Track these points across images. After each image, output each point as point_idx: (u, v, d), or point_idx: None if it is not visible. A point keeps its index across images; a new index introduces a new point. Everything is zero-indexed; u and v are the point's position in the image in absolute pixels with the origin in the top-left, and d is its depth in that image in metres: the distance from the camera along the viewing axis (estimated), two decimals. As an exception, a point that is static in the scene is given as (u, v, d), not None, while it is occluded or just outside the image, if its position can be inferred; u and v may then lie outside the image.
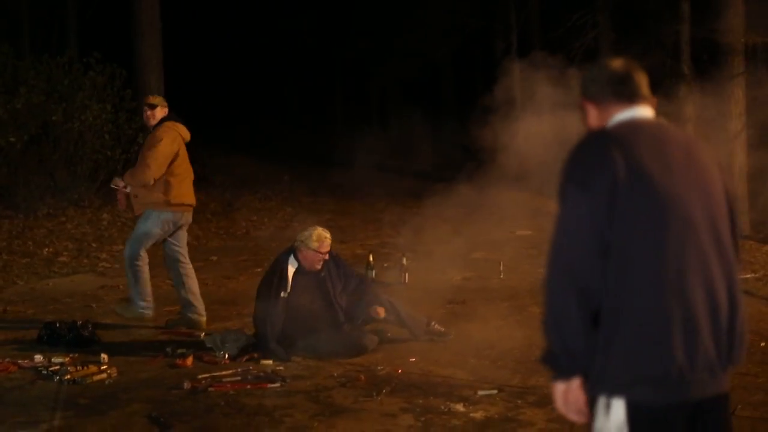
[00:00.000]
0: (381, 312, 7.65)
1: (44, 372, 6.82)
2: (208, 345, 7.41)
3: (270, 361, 7.09)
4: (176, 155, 8.29)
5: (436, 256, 10.35)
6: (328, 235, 7.62)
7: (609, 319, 2.93)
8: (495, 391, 6.35)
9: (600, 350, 2.94)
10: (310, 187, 20.14)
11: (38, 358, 7.13)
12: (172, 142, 8.27)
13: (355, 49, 29.80)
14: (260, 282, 7.72)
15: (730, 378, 3.11)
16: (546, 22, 21.86)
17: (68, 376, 6.65)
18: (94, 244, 12.87)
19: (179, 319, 8.41)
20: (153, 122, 8.42)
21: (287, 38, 31.93)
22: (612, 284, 2.92)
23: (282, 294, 7.44)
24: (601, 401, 2.98)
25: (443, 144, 22.43)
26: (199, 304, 8.42)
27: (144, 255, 8.35)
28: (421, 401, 6.20)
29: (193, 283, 8.46)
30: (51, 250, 12.39)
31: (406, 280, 10.08)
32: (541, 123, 8.40)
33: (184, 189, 8.38)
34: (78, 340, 7.61)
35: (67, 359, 7.11)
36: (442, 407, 6.08)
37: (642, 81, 3.17)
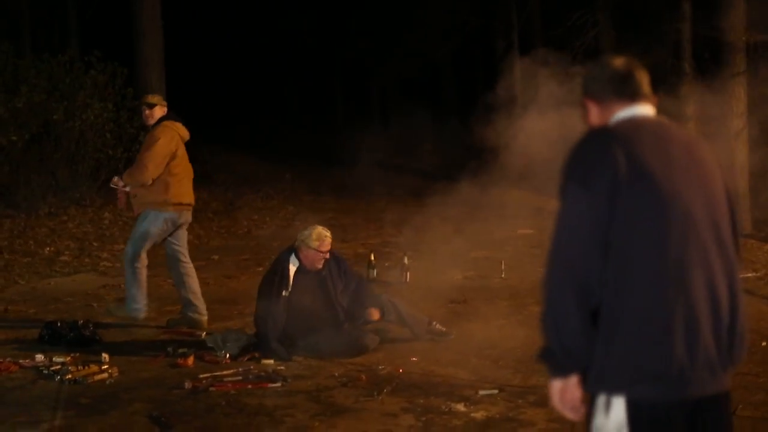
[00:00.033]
0: (375, 315, 7.64)
1: (45, 371, 6.83)
2: (209, 344, 7.41)
3: (271, 361, 7.09)
4: (174, 155, 8.27)
5: (437, 255, 10.35)
6: (328, 234, 7.62)
7: (609, 317, 2.93)
8: (496, 391, 6.35)
9: (599, 348, 2.94)
10: (311, 185, 20.14)
11: (39, 357, 7.13)
12: (170, 141, 8.25)
13: (355, 48, 29.79)
14: (261, 281, 7.72)
15: (731, 377, 3.10)
16: (547, 21, 21.86)
17: (69, 376, 6.65)
18: (95, 244, 12.87)
19: (180, 319, 8.40)
20: (151, 121, 8.41)
21: (288, 38, 31.92)
22: (613, 282, 2.92)
23: (283, 293, 7.44)
24: (601, 399, 2.97)
25: (444, 143, 22.43)
26: (200, 304, 8.41)
27: (144, 257, 8.34)
28: (422, 401, 6.20)
29: (194, 282, 8.45)
30: (52, 249, 12.39)
31: (408, 280, 10.08)
32: (542, 121, 8.39)
33: (183, 188, 8.37)
34: (79, 339, 7.61)
35: (68, 359, 7.11)
36: (443, 407, 6.08)
37: (643, 79, 3.17)
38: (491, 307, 8.93)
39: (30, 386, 6.58)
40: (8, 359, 7.11)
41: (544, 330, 2.99)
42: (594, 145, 3.01)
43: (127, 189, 8.34)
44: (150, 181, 8.18)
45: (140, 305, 8.37)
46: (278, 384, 6.56)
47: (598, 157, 2.95)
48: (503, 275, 10.47)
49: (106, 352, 7.21)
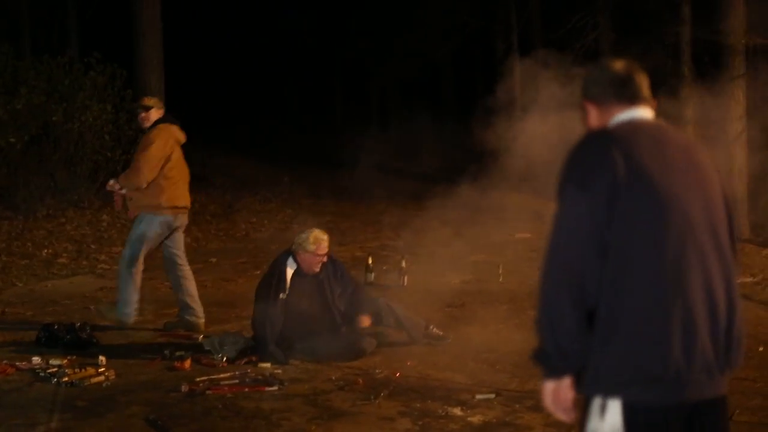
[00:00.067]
0: (365, 321, 7.63)
1: (42, 374, 6.81)
2: (207, 348, 7.41)
3: (268, 364, 7.09)
4: (169, 158, 8.25)
5: (435, 258, 10.35)
6: (325, 237, 7.61)
7: (606, 319, 2.93)
8: (493, 395, 6.35)
9: (596, 350, 2.94)
10: (310, 188, 20.13)
11: (36, 360, 7.12)
12: (165, 144, 8.24)
13: (355, 49, 29.82)
14: (258, 284, 7.72)
15: (728, 382, 3.10)
16: (547, 23, 21.86)
17: (66, 379, 6.65)
18: (93, 246, 12.86)
19: (177, 322, 8.39)
20: (147, 124, 8.39)
21: (287, 38, 31.94)
22: (610, 284, 2.92)
23: (281, 296, 7.43)
24: (596, 402, 2.97)
25: (443, 145, 22.42)
26: (198, 307, 8.40)
27: (141, 262, 8.32)
28: (418, 405, 6.20)
29: (191, 285, 8.44)
30: (50, 251, 12.38)
31: (405, 283, 10.08)
32: (541, 124, 8.39)
33: (178, 191, 8.34)
34: (76, 342, 7.61)
35: (65, 361, 7.10)
36: (440, 411, 6.08)
37: (643, 83, 3.18)
38: (489, 311, 8.92)
39: (27, 389, 6.57)
40: (5, 361, 7.10)
41: (539, 331, 2.99)
42: (593, 148, 3.02)
43: (124, 192, 8.33)
44: (145, 184, 8.17)
45: (131, 310, 8.32)
46: (275, 387, 6.56)
47: (596, 159, 2.96)
48: (501, 279, 10.46)
49: (103, 355, 7.20)
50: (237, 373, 6.87)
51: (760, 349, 7.51)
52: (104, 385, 6.65)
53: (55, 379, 6.66)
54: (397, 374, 6.90)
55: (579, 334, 2.93)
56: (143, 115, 8.42)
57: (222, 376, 6.79)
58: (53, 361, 7.07)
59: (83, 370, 6.87)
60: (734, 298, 3.05)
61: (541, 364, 3.01)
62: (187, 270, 8.49)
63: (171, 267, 8.49)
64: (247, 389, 6.51)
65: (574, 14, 16.98)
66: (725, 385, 3.07)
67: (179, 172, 8.39)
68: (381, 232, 14.29)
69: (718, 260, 3.02)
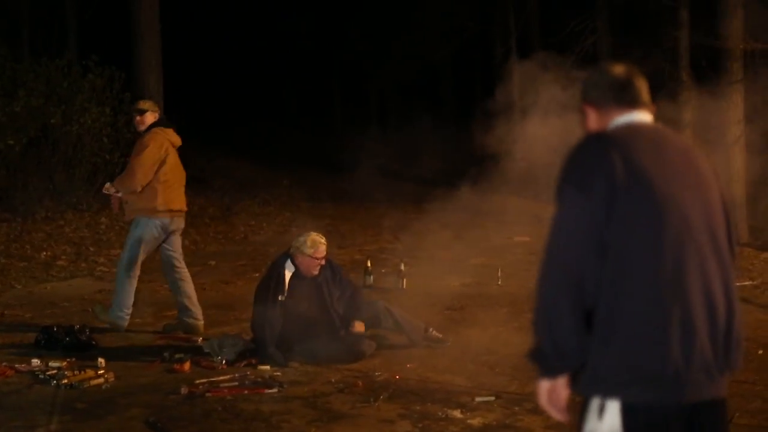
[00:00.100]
0: (359, 327, 7.62)
1: (41, 376, 6.81)
2: (206, 350, 7.40)
3: (267, 367, 7.09)
4: (164, 161, 8.24)
5: (434, 261, 10.36)
6: (323, 241, 7.61)
7: (605, 320, 2.93)
8: (492, 398, 6.35)
9: (594, 351, 2.94)
10: (309, 191, 20.13)
11: (35, 362, 7.11)
12: (159, 148, 8.23)
13: (353, 51, 29.82)
14: (257, 286, 7.72)
15: (728, 385, 3.10)
16: (545, 27, 21.88)
17: (65, 381, 6.64)
18: (92, 248, 12.86)
19: (177, 324, 8.39)
20: (142, 128, 8.38)
21: (286, 40, 31.92)
22: (609, 285, 2.92)
23: (279, 297, 7.44)
24: (595, 403, 2.97)
25: (442, 148, 22.43)
26: (196, 309, 8.40)
27: (138, 266, 8.31)
28: (418, 407, 6.20)
29: (189, 287, 8.44)
30: (49, 253, 12.37)
31: (404, 286, 10.08)
32: (540, 127, 8.40)
33: (173, 195, 8.33)
34: (75, 344, 7.60)
35: (65, 363, 7.09)
36: (440, 414, 6.08)
37: (643, 87, 3.19)
38: (488, 314, 8.92)
39: (26, 391, 6.57)
40: (4, 364, 7.10)
41: (537, 330, 3.00)
42: (591, 150, 3.03)
43: (120, 195, 8.33)
44: (140, 188, 8.16)
45: (124, 313, 8.31)
46: (275, 390, 6.56)
47: (595, 161, 2.97)
48: (500, 282, 10.46)
49: (102, 357, 7.20)
50: (236, 375, 6.87)
51: (760, 352, 7.51)
52: (104, 387, 6.65)
53: (55, 382, 6.66)
54: (397, 377, 6.90)
55: (577, 334, 2.93)
56: (138, 118, 8.42)
57: (221, 378, 6.79)
58: (52, 364, 7.06)
59: (82, 372, 6.87)
60: (733, 301, 3.06)
61: (537, 363, 3.02)
62: (184, 272, 8.48)
63: (169, 269, 8.49)
64: (246, 391, 6.51)
65: (572, 18, 17.00)
66: (725, 387, 3.08)
67: (175, 176, 8.37)
68: (380, 235, 14.30)
69: (716, 263, 3.03)
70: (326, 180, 21.72)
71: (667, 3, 14.34)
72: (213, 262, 12.23)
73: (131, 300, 8.33)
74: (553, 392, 3.02)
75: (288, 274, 7.54)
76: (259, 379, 6.79)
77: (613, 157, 2.95)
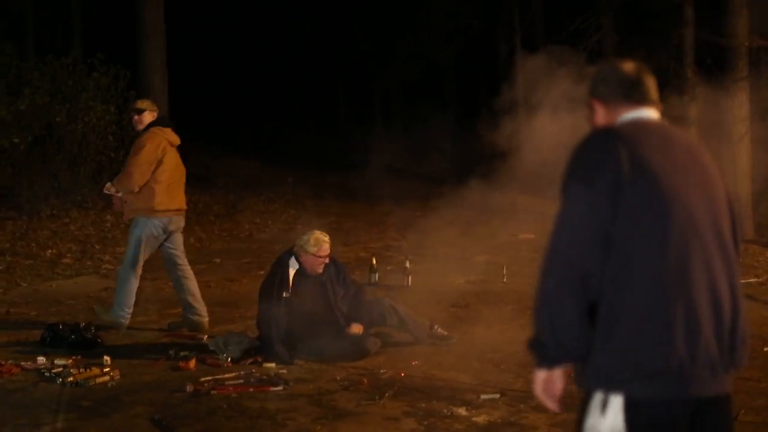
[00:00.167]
0: (357, 329, 7.61)
1: (47, 374, 6.81)
2: (211, 348, 7.41)
3: (273, 364, 7.09)
4: (161, 161, 8.23)
5: (439, 259, 10.35)
6: (326, 239, 7.62)
7: (609, 314, 2.93)
8: (498, 395, 6.34)
9: (598, 345, 2.94)
10: (313, 189, 20.14)
11: (41, 360, 7.12)
12: (156, 148, 8.22)
13: (358, 50, 29.83)
14: (262, 284, 7.72)
15: (733, 382, 3.09)
16: (550, 25, 21.87)
17: (71, 379, 6.64)
18: (97, 246, 12.88)
19: (181, 322, 8.40)
20: (140, 127, 8.37)
21: (290, 40, 31.94)
22: (613, 279, 2.92)
23: (284, 294, 7.44)
24: (597, 398, 2.97)
25: (446, 146, 22.44)
26: (200, 306, 8.41)
27: (140, 265, 8.32)
28: (423, 405, 6.20)
29: (192, 284, 8.44)
30: (54, 251, 12.39)
31: (409, 284, 10.08)
32: (545, 125, 8.39)
33: (171, 195, 8.31)
34: (81, 342, 7.61)
35: (70, 361, 7.09)
36: (445, 411, 6.07)
37: (652, 85, 3.19)
38: (493, 311, 8.92)
39: (31, 389, 6.57)
40: (10, 361, 7.10)
41: (538, 321, 3.00)
42: (598, 145, 3.03)
43: (120, 194, 8.33)
44: (137, 188, 8.16)
45: (125, 312, 8.30)
46: (280, 387, 6.56)
47: (601, 156, 2.97)
48: (505, 279, 10.46)
49: (107, 355, 7.20)
50: (242, 373, 6.87)
51: (765, 349, 7.51)
52: (109, 385, 6.65)
53: (60, 379, 6.66)
54: (402, 374, 6.90)
55: (578, 326, 2.94)
56: (136, 118, 8.41)
57: (227, 376, 6.79)
58: (58, 361, 7.07)
59: (88, 370, 6.87)
60: (738, 298, 3.06)
61: (537, 353, 3.03)
62: (187, 269, 8.49)
63: (171, 267, 8.49)
64: (251, 389, 6.51)
65: (577, 16, 16.99)
66: (729, 384, 3.07)
67: (173, 175, 8.35)
68: (385, 232, 14.30)
69: (722, 260, 3.03)
70: (331, 178, 21.74)
71: (672, 0, 14.32)
72: (218, 260, 12.24)
73: (132, 299, 8.34)
74: (549, 382, 3.04)
75: (292, 272, 7.55)
76: (265, 377, 6.79)
77: (619, 152, 2.95)
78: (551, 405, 3.08)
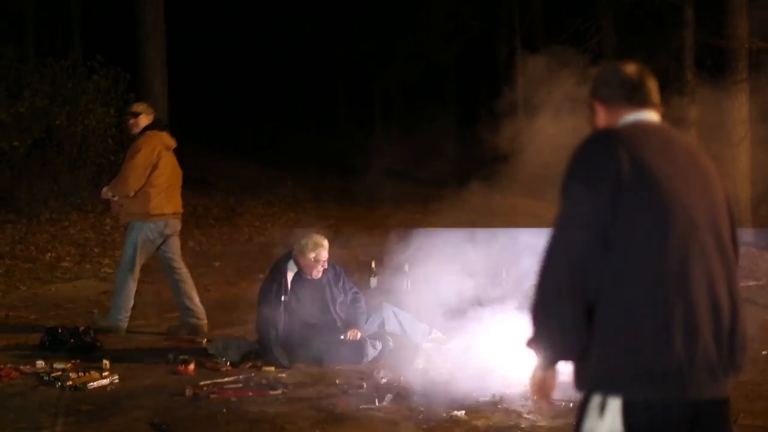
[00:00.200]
0: (354, 334, 7.60)
1: (46, 378, 6.82)
2: (210, 351, 7.41)
3: (272, 368, 7.09)
4: (156, 165, 8.23)
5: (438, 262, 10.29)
6: (325, 243, 7.61)
7: (607, 316, 2.94)
8: (497, 399, 6.34)
9: (596, 347, 2.95)
10: (313, 191, 20.13)
11: (40, 364, 7.12)
12: (151, 152, 8.21)
13: (358, 51, 29.80)
14: (261, 287, 7.72)
15: (732, 386, 3.08)
16: (550, 26, 21.88)
17: (70, 382, 6.65)
18: (96, 249, 12.87)
19: (180, 326, 8.40)
20: (136, 130, 8.36)
21: (290, 41, 31.91)
22: (612, 282, 2.93)
23: (282, 297, 7.44)
24: (595, 400, 2.97)
25: (447, 148, 22.40)
26: (197, 309, 8.40)
27: (137, 269, 8.31)
28: (423, 409, 6.19)
29: (189, 287, 8.44)
30: (54, 255, 12.39)
31: (409, 287, 10.04)
32: (545, 127, 8.38)
33: (167, 198, 8.31)
34: (80, 346, 7.61)
35: (69, 365, 7.09)
36: (444, 415, 6.06)
37: (653, 88, 3.21)
38: (492, 314, 8.87)
39: (31, 393, 6.57)
40: (9, 365, 7.10)
41: (535, 320, 3.01)
42: (598, 146, 3.03)
43: (116, 199, 8.32)
44: (132, 193, 8.17)
45: (123, 316, 8.31)
46: (279, 391, 6.56)
47: (602, 158, 2.98)
48: (504, 283, 10.41)
49: (106, 359, 7.19)
50: (241, 377, 6.87)
51: (764, 352, 7.50)
52: (108, 389, 6.66)
53: (59, 383, 6.67)
54: (401, 378, 6.89)
55: (575, 327, 2.95)
56: (132, 121, 8.39)
57: (226, 380, 6.80)
58: (57, 365, 7.07)
59: (87, 373, 6.87)
60: (737, 301, 3.06)
61: (534, 351, 3.06)
62: (184, 273, 8.48)
63: (168, 271, 8.50)
64: (251, 393, 6.51)
65: (577, 17, 16.98)
66: (728, 387, 3.06)
67: (168, 179, 8.35)
68: (385, 236, 14.26)
69: (721, 262, 3.03)
70: (331, 181, 21.71)
71: (672, 2, 14.32)
72: (217, 263, 12.24)
73: (130, 303, 8.34)
74: (544, 380, 3.08)
75: (290, 275, 7.54)
76: (264, 381, 6.79)
77: (620, 154, 2.95)
78: (543, 403, 3.14)
